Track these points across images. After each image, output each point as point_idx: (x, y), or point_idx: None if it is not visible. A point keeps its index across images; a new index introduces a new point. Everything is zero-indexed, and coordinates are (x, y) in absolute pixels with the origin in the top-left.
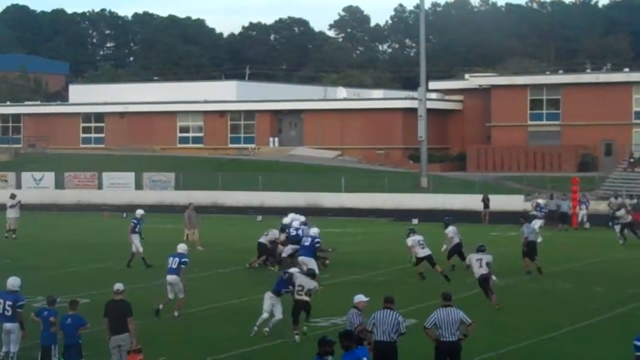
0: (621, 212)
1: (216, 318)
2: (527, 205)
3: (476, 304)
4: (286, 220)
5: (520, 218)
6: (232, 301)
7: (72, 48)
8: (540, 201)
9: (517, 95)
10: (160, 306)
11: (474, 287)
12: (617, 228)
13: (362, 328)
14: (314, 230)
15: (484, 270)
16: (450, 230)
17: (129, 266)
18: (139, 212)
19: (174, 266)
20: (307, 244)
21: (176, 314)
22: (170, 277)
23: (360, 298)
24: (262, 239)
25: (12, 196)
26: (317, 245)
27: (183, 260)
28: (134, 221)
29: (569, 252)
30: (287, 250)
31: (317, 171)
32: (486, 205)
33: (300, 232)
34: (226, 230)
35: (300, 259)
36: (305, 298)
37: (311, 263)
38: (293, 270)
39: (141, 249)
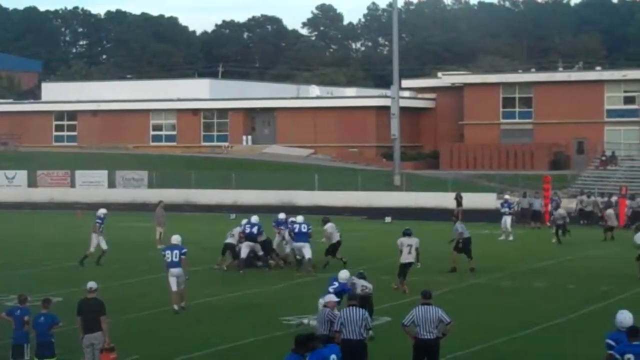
0: (560, 212)
1: (189, 316)
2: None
3: (450, 301)
4: (282, 216)
5: (452, 217)
6: (206, 299)
7: (44, 46)
8: (508, 197)
9: (490, 93)
10: (175, 307)
11: (447, 284)
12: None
13: (339, 335)
14: (300, 218)
15: (412, 258)
16: (329, 226)
17: (98, 264)
18: (102, 211)
19: (175, 259)
20: (304, 230)
21: (183, 304)
22: (175, 270)
23: (330, 297)
24: (229, 240)
25: None
26: (310, 231)
27: (183, 251)
28: (99, 221)
29: (541, 250)
30: (244, 251)
31: (291, 169)
32: (459, 204)
33: (255, 229)
34: (199, 228)
35: (297, 245)
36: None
37: (306, 248)
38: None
39: (105, 247)
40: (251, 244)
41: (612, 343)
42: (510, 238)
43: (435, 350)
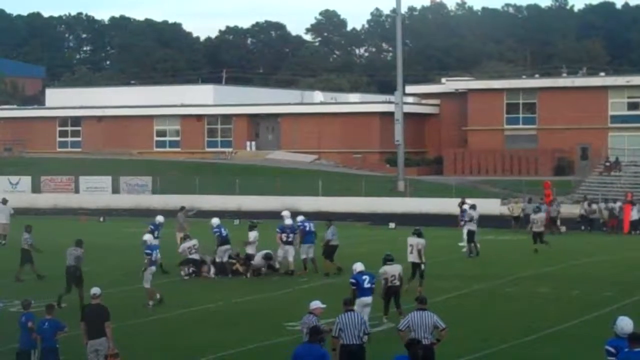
0: (538, 216)
1: (194, 322)
2: (503, 209)
3: (453, 306)
4: (288, 221)
5: (326, 221)
6: (210, 305)
7: (48, 52)
8: (466, 206)
9: (494, 99)
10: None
11: (451, 290)
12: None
13: (323, 336)
14: (301, 218)
15: (413, 258)
16: (331, 229)
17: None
18: (159, 218)
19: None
20: (313, 229)
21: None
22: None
23: (317, 304)
24: (194, 256)
25: (4, 201)
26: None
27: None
28: (152, 227)
29: (545, 256)
30: (220, 255)
31: (294, 175)
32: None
33: (223, 231)
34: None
35: (305, 245)
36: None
37: (312, 248)
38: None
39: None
40: (227, 247)
41: (612, 350)
42: (462, 243)
43: (431, 356)
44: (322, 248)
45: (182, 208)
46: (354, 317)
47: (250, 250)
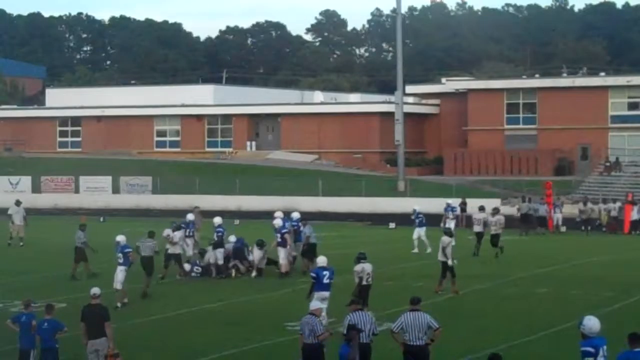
0: (495, 218)
1: (194, 322)
2: (503, 209)
3: (452, 307)
4: (279, 222)
5: (302, 220)
6: (211, 305)
7: (48, 52)
8: (450, 201)
9: (494, 99)
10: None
11: (449, 291)
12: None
13: (324, 337)
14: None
15: (443, 257)
16: (308, 228)
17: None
18: (190, 216)
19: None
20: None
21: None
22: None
23: (316, 305)
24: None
25: (17, 203)
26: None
27: (126, 250)
28: (183, 225)
29: (545, 256)
30: (217, 256)
31: (294, 175)
32: (463, 210)
33: (222, 233)
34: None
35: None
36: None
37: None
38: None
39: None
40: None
41: (591, 350)
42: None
43: (425, 356)
44: (302, 247)
45: (196, 207)
46: (363, 316)
47: (174, 250)
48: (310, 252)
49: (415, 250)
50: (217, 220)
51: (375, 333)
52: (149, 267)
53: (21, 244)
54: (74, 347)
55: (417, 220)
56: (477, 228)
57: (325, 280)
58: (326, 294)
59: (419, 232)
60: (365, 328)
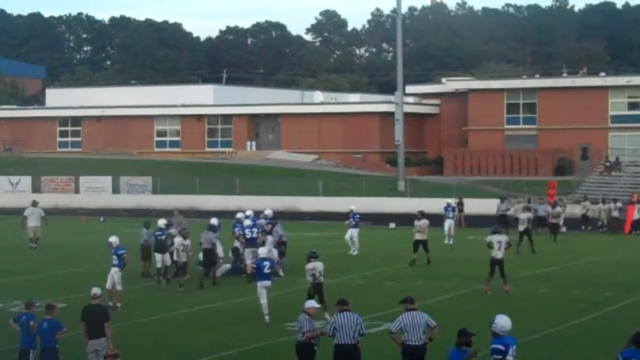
0: (421, 222)
1: (194, 322)
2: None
3: (453, 307)
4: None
5: (273, 218)
6: (208, 305)
7: (48, 52)
8: (450, 200)
9: (494, 99)
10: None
11: (451, 290)
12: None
13: (311, 334)
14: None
15: (501, 254)
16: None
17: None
18: (214, 220)
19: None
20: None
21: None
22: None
23: (312, 304)
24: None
25: (34, 204)
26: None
27: (120, 252)
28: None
29: (546, 256)
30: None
31: (295, 175)
32: (460, 210)
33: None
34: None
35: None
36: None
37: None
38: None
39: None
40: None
41: (501, 347)
42: (451, 242)
43: (423, 356)
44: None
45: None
46: (350, 317)
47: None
48: (282, 250)
49: (446, 241)
50: (214, 221)
51: (362, 334)
52: (212, 257)
53: (35, 245)
54: (74, 347)
55: (352, 221)
56: (522, 227)
57: (266, 270)
58: (267, 282)
59: (352, 233)
60: (350, 329)
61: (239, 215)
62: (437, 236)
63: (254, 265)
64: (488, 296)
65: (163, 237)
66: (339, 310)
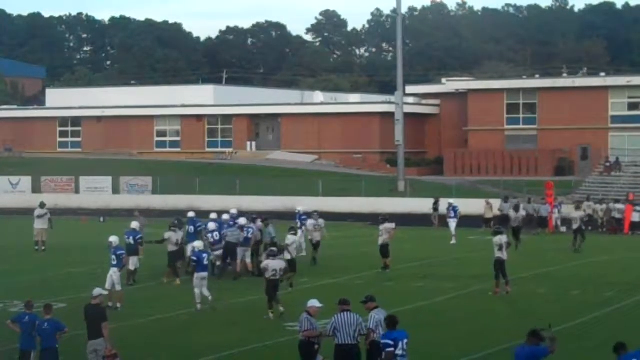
0: (384, 227)
1: (194, 322)
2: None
3: (453, 307)
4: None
5: (264, 220)
6: (207, 305)
7: (48, 52)
8: (452, 201)
9: (494, 99)
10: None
11: (451, 291)
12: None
13: (309, 333)
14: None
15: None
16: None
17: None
18: (225, 216)
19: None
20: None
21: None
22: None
23: (313, 303)
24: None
25: (42, 205)
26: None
27: (119, 252)
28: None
29: (545, 256)
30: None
31: (295, 175)
32: (435, 209)
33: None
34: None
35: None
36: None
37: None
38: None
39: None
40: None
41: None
42: (453, 242)
43: (356, 355)
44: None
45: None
46: (350, 317)
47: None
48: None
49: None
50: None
51: (362, 334)
52: (233, 252)
53: (43, 248)
54: (74, 347)
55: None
56: (575, 225)
57: (205, 262)
58: (204, 274)
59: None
60: (350, 329)
61: (225, 216)
62: (429, 235)
63: (194, 258)
64: (488, 297)
65: (137, 238)
66: (339, 310)
